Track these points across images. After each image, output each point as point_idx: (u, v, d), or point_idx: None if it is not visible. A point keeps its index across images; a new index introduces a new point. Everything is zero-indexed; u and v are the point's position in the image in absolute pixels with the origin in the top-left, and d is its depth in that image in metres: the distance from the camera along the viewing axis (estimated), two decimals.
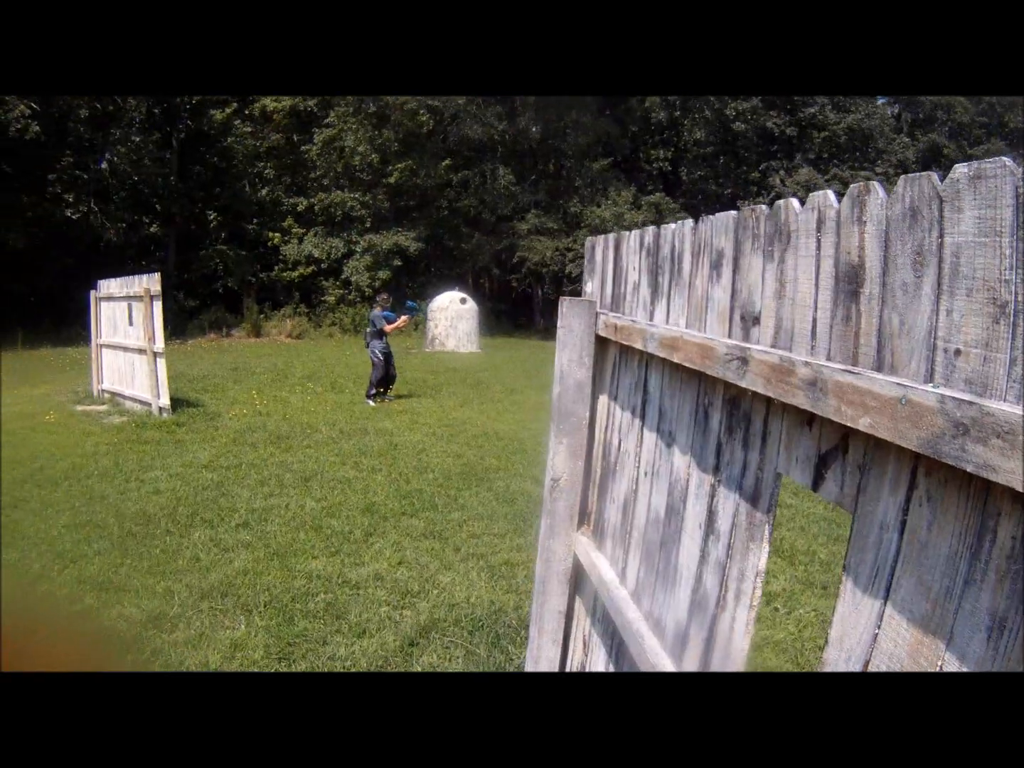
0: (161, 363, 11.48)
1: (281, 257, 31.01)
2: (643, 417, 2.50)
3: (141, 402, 11.99)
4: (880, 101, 38.49)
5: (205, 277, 30.95)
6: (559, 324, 3.04)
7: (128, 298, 12.47)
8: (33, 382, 15.89)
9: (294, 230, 31.10)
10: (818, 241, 1.42)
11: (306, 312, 30.60)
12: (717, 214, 1.90)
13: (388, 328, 13.37)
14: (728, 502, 1.78)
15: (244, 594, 5.25)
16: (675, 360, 2.01)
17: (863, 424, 1.18)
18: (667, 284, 2.26)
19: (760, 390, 1.50)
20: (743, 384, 1.58)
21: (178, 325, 26.92)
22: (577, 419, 3.07)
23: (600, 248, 3.10)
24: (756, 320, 1.66)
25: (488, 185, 31.90)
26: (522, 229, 31.08)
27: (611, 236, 2.94)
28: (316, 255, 30.25)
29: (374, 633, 4.78)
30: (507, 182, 31.51)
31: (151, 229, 31.62)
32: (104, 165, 29.30)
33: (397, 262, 30.01)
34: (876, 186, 1.26)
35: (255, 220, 31.76)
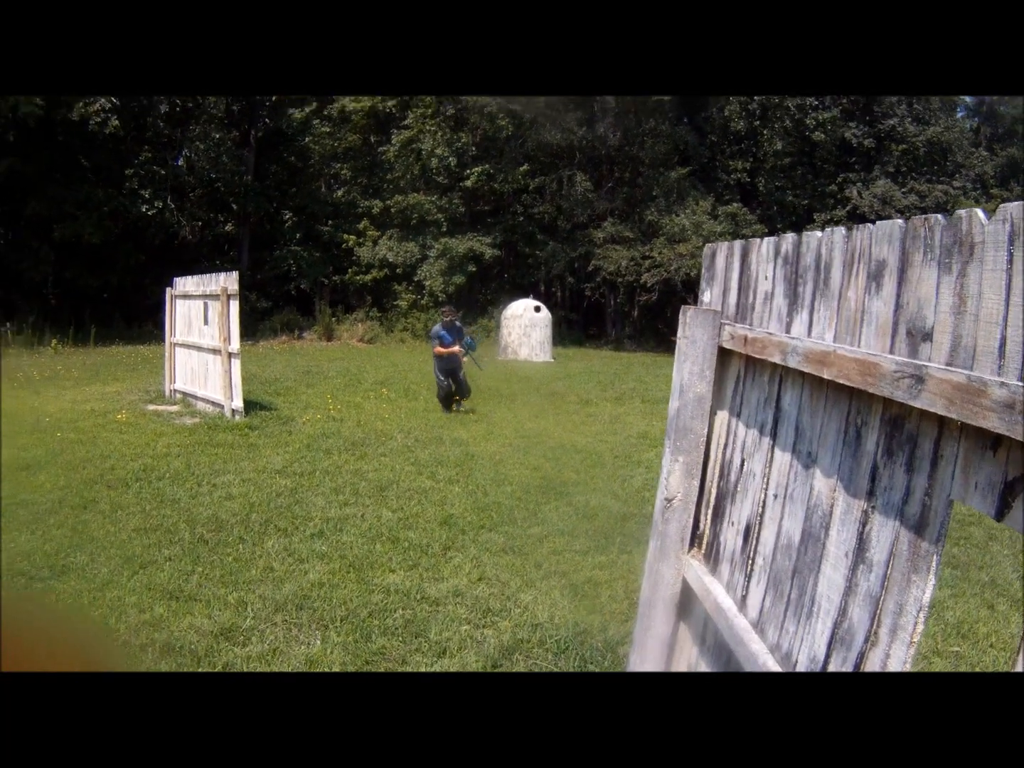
0: (236, 364, 11.72)
1: (355, 259, 31.49)
2: (774, 435, 2.47)
3: (214, 403, 12.25)
4: (960, 114, 37.90)
5: (278, 278, 31.62)
6: (680, 334, 3.03)
7: (204, 297, 12.76)
8: (104, 379, 16.46)
9: (369, 232, 31.56)
10: (1010, 255, 1.39)
11: (378, 316, 31.04)
12: (878, 222, 1.87)
13: (437, 351, 13.05)
14: (885, 530, 1.74)
15: (320, 607, 5.29)
16: (824, 376, 1.98)
17: None
18: (809, 295, 2.23)
19: (940, 411, 1.47)
20: (916, 404, 1.55)
21: (249, 326, 27.50)
22: (695, 436, 3.05)
23: (723, 255, 3.07)
24: (927, 336, 1.62)
25: (565, 191, 32.01)
26: (598, 237, 31.07)
27: (737, 243, 2.92)
28: (390, 259, 30.62)
29: (455, 653, 4.77)
30: (584, 188, 31.57)
31: (226, 227, 32.59)
32: (181, 162, 30.31)
33: (471, 268, 30.24)
34: None
35: (330, 221, 32.38)
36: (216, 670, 4.40)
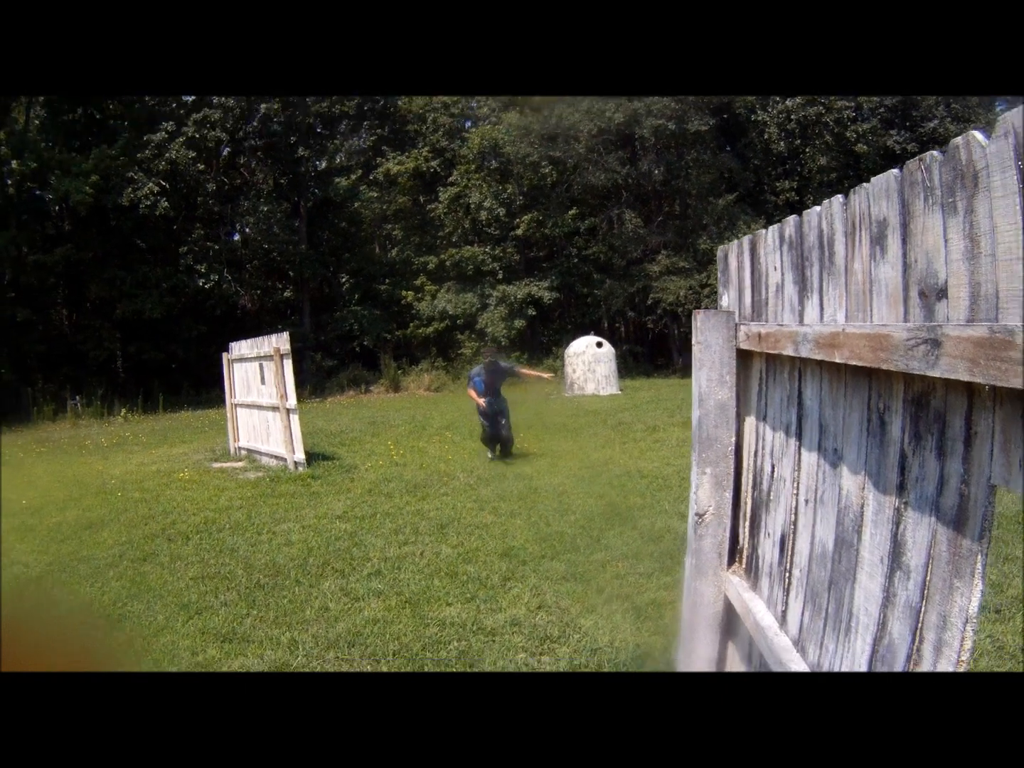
0: (295, 419, 11.56)
1: (415, 314, 31.34)
2: (799, 436, 2.10)
3: (277, 457, 12.07)
4: (999, 107, 36.47)
5: (340, 338, 31.55)
6: (694, 340, 2.68)
7: (259, 358, 12.70)
8: (172, 442, 16.39)
9: (427, 287, 31.46)
10: (1020, 171, 1.03)
11: (443, 365, 30.79)
12: (874, 178, 1.53)
13: (470, 393, 11.91)
14: (920, 529, 1.37)
15: (372, 643, 4.98)
16: (836, 360, 1.62)
17: None
18: (817, 276, 1.88)
19: (963, 376, 1.11)
20: (935, 373, 1.19)
21: (317, 384, 27.67)
22: (721, 445, 2.68)
23: (734, 254, 2.73)
24: (941, 293, 1.27)
25: (616, 230, 31.62)
26: (654, 271, 30.57)
27: (745, 238, 2.58)
28: (450, 311, 30.48)
29: None
30: (634, 225, 31.15)
31: (284, 294, 32.73)
32: (237, 237, 30.69)
33: (531, 311, 29.94)
34: None
35: (386, 280, 32.36)
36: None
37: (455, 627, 5.21)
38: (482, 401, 11.57)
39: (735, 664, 2.87)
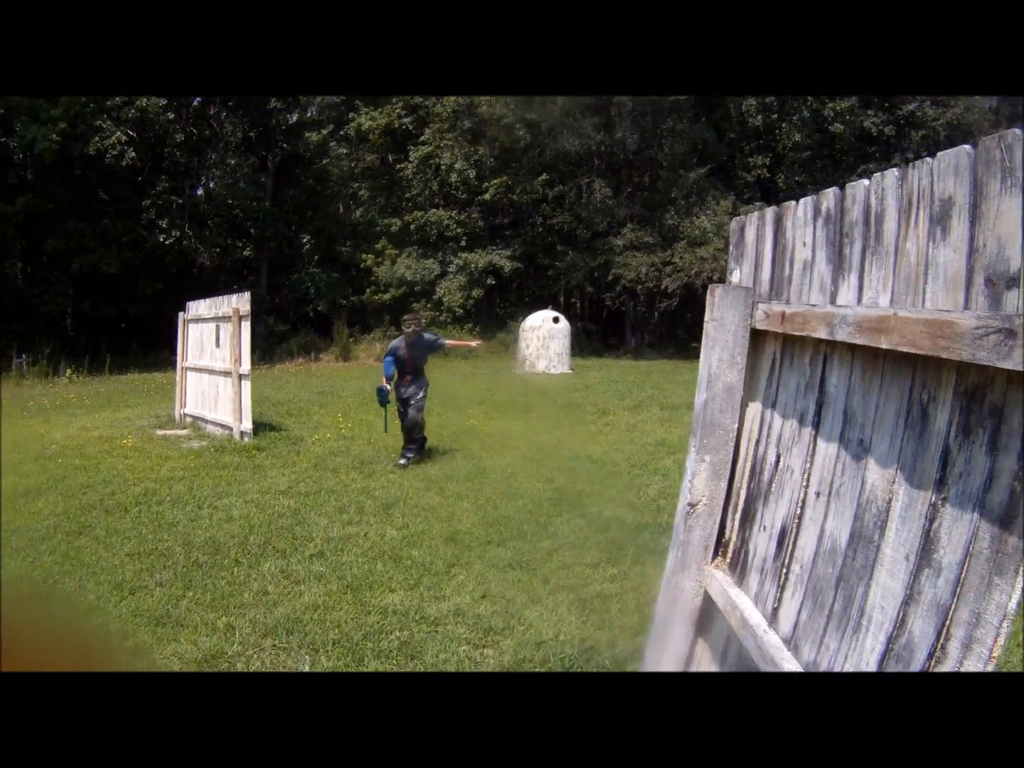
0: (246, 385, 11.55)
1: (373, 280, 31.57)
2: (816, 425, 2.20)
3: (223, 426, 12.10)
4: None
5: (296, 301, 31.80)
6: (708, 317, 2.75)
7: (217, 319, 12.69)
8: (116, 406, 16.41)
9: (388, 251, 31.66)
10: None
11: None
12: (939, 153, 1.61)
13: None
14: (960, 525, 1.47)
15: (312, 631, 5.05)
16: (883, 346, 1.70)
17: None
18: (858, 255, 1.97)
19: None
20: (1007, 365, 1.28)
21: (267, 350, 27.82)
22: (724, 432, 2.78)
23: (753, 227, 2.81)
24: (1013, 282, 1.35)
25: (584, 200, 31.99)
26: (617, 245, 30.96)
27: (769, 210, 2.66)
28: (409, 277, 30.71)
29: None
30: (603, 195, 31.52)
31: (244, 253, 33.04)
32: (200, 192, 30.89)
33: (491, 281, 30.28)
34: None
35: (348, 242, 32.66)
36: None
37: (397, 615, 5.31)
38: (388, 384, 10.10)
39: (704, 662, 2.98)
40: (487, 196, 30.82)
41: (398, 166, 32.48)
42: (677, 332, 31.45)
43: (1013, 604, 1.31)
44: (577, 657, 4.73)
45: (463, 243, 30.98)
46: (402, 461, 9.87)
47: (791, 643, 2.20)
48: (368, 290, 31.65)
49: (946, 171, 1.58)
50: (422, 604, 5.51)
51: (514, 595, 5.72)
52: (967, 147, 1.52)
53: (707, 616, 2.96)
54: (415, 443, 10.12)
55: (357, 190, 33.72)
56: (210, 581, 5.95)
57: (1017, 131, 1.36)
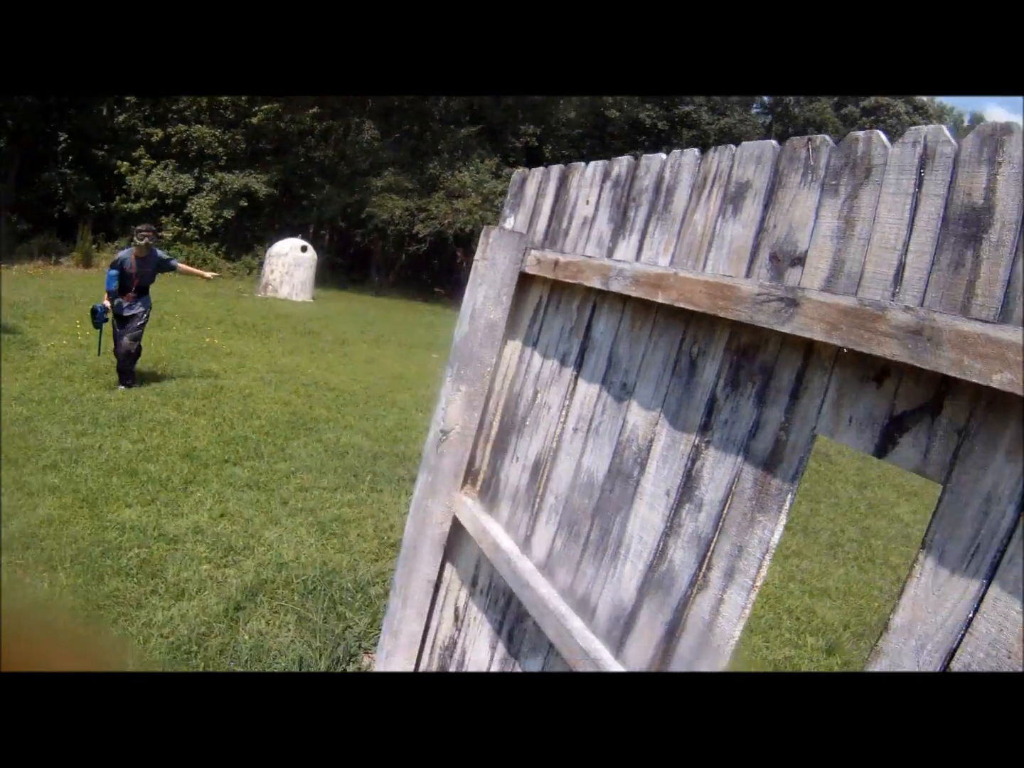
0: None
1: (125, 188, 28.91)
2: (579, 366, 2.27)
3: None
4: (755, 110, 40.35)
5: (44, 200, 28.49)
6: (479, 256, 2.76)
7: None
8: None
9: (144, 160, 29.08)
10: (919, 179, 1.25)
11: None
12: (743, 143, 1.70)
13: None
14: (723, 467, 1.57)
15: (49, 547, 4.66)
16: (659, 300, 1.78)
17: (997, 381, 1.01)
18: (643, 218, 2.04)
19: (818, 337, 1.29)
20: (785, 330, 1.37)
21: (6, 249, 24.93)
22: (482, 364, 2.81)
23: (535, 181, 2.83)
24: (798, 261, 1.46)
25: (351, 138, 31.04)
26: (376, 185, 30.44)
27: (555, 168, 2.69)
28: (161, 189, 28.47)
29: (194, 595, 4.34)
30: (371, 136, 30.78)
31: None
32: None
33: (243, 203, 28.76)
34: (1017, 126, 1.12)
35: (106, 146, 29.50)
36: None
37: (135, 531, 4.99)
38: (108, 301, 8.88)
39: (454, 586, 3.05)
40: (254, 120, 29.14)
41: None
42: (422, 276, 31.51)
43: (775, 539, 1.43)
44: (320, 579, 4.69)
45: (222, 162, 29.14)
46: (120, 388, 8.83)
47: (545, 568, 2.29)
48: (118, 198, 28.97)
49: (748, 159, 1.66)
50: (160, 521, 5.20)
51: (252, 515, 5.56)
52: (773, 142, 1.61)
53: (456, 541, 3.02)
54: (126, 375, 8.94)
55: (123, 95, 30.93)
56: None
57: (826, 137, 1.47)
